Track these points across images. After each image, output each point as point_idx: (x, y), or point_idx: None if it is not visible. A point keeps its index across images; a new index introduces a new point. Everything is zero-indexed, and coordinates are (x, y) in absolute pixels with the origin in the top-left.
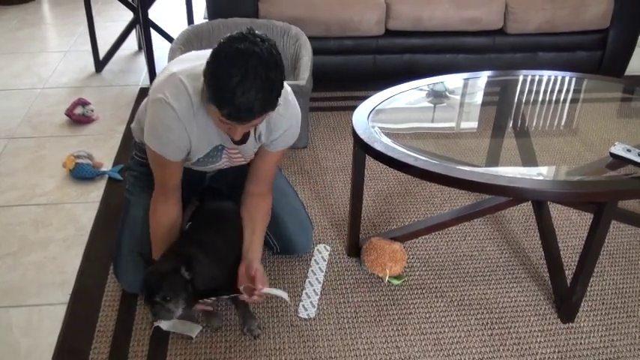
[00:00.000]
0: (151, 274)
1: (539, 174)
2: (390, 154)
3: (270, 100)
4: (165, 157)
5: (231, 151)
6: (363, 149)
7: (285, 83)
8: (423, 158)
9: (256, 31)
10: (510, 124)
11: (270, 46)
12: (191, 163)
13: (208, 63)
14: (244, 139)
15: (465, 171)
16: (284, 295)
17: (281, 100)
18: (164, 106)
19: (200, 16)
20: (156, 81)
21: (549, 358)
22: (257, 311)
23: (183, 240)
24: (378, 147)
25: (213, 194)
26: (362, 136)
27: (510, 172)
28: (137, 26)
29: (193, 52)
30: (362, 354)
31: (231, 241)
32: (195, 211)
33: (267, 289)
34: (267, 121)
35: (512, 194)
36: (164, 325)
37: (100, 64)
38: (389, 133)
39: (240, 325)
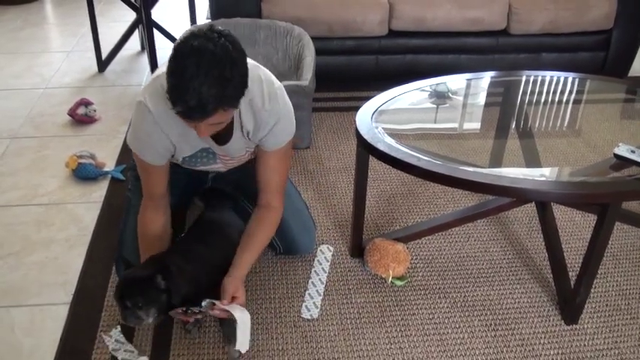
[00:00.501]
0: (126, 278)
1: (542, 175)
2: (393, 154)
3: (225, 98)
4: (147, 161)
5: (223, 157)
6: (366, 149)
7: (274, 78)
8: (427, 159)
9: (218, 27)
10: (513, 125)
11: (229, 42)
12: (180, 163)
13: (168, 61)
14: (226, 139)
15: (468, 171)
16: (243, 323)
17: (265, 94)
18: (142, 110)
19: (203, 16)
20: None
21: (553, 359)
22: (260, 311)
23: (170, 249)
24: (381, 147)
25: (217, 196)
26: (365, 137)
27: (514, 172)
28: (140, 26)
29: None
30: (365, 355)
31: (222, 254)
32: (196, 220)
33: (228, 306)
34: (254, 117)
35: (515, 195)
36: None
37: (102, 64)
38: (392, 134)
39: (222, 343)
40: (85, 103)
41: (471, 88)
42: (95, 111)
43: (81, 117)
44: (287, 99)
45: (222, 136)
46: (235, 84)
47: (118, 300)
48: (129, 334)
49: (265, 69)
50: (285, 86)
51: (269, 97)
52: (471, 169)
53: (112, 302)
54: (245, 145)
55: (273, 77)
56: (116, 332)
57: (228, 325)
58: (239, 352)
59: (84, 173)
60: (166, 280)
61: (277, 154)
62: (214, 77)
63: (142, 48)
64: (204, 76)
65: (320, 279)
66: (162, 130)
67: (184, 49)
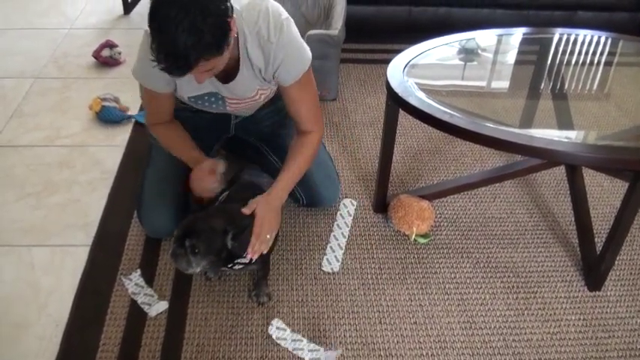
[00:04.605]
0: (197, 220)
1: (575, 138)
2: (425, 109)
3: (203, 48)
4: (152, 89)
5: (231, 101)
6: (397, 103)
7: (283, 10)
8: (459, 115)
9: None
10: (545, 85)
11: None
12: (187, 102)
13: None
14: (231, 77)
15: (503, 131)
16: None
17: (271, 26)
18: (148, 40)
19: None
20: None
21: (574, 325)
22: (280, 263)
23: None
24: (413, 102)
25: (239, 146)
26: (396, 90)
27: (545, 134)
28: None
29: None
30: (385, 310)
31: None
32: (231, 181)
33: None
34: (262, 52)
35: (549, 157)
36: (129, 286)
37: (128, 6)
38: (422, 89)
39: (250, 288)
40: (110, 45)
41: (502, 44)
42: (120, 54)
43: (105, 59)
44: (294, 30)
45: (227, 75)
46: (212, 32)
47: (179, 236)
48: (149, 278)
49: (274, 1)
50: (313, 35)
51: (274, 29)
52: (505, 128)
53: (132, 246)
54: (257, 84)
55: (282, 9)
56: (136, 276)
57: (262, 272)
58: (268, 297)
59: (107, 116)
60: (235, 241)
61: (296, 86)
62: (184, 29)
63: None
64: (174, 29)
65: (342, 233)
66: None
67: (152, 2)
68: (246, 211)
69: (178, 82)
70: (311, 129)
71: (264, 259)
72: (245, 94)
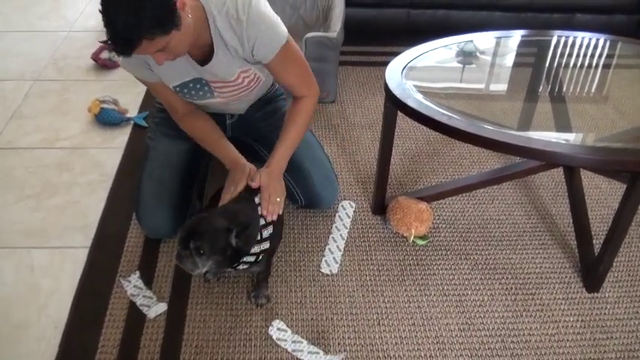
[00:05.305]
0: (200, 220)
1: (573, 140)
2: (423, 111)
3: (146, 26)
4: (144, 79)
5: (214, 85)
6: (395, 105)
7: None
8: (458, 117)
9: None
10: (543, 87)
11: None
12: (177, 94)
13: None
14: (207, 60)
15: (501, 133)
16: None
17: (239, 4)
18: None
19: None
20: None
21: (572, 326)
22: (279, 264)
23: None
24: (411, 104)
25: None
26: (395, 92)
27: (543, 136)
28: None
29: None
30: (383, 312)
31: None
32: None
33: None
34: (233, 31)
35: (548, 158)
36: (128, 288)
37: None
38: (420, 91)
39: (249, 290)
40: (109, 48)
41: (500, 47)
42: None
43: (104, 61)
44: (264, 6)
45: (204, 57)
46: (152, 11)
47: (183, 238)
48: (148, 280)
49: None
50: (312, 38)
51: (243, 6)
52: (503, 130)
53: (131, 248)
54: (238, 66)
55: None
56: (135, 277)
57: (263, 274)
58: (267, 299)
59: (106, 118)
60: (239, 239)
61: (277, 61)
62: (125, 8)
63: None
64: (113, 9)
65: (341, 234)
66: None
67: None
68: (254, 185)
69: (157, 70)
70: (303, 94)
71: (267, 261)
72: (226, 77)
